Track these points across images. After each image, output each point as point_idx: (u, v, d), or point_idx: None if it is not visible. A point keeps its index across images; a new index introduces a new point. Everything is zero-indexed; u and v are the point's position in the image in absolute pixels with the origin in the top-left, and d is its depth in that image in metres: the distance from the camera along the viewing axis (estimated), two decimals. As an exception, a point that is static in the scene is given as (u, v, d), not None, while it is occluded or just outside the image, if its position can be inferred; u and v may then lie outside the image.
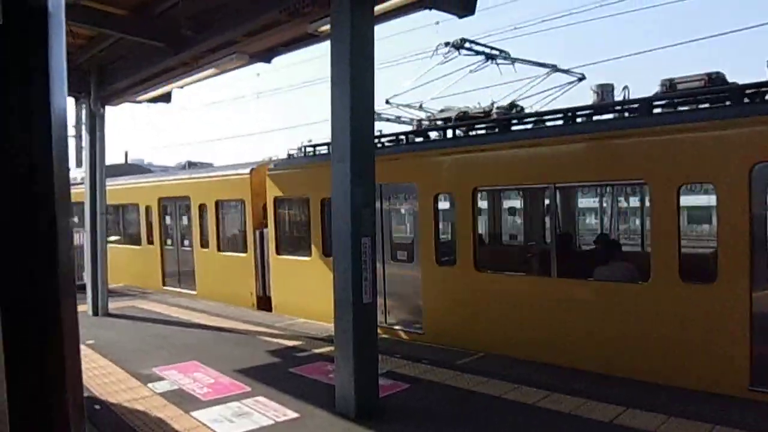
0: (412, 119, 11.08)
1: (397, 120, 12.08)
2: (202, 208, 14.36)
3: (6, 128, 1.06)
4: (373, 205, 6.11)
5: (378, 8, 6.52)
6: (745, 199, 6.10)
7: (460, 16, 7.76)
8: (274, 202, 12.21)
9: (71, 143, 14.72)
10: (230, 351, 8.60)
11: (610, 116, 7.89)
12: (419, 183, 9.38)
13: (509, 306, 8.23)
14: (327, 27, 7.34)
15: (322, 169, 10.45)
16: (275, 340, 9.31)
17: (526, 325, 8.00)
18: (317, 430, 5.55)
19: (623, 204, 12.14)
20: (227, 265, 13.79)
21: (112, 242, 18.01)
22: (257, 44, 9.13)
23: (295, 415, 5.88)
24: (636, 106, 7.48)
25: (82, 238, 12.57)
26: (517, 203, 12.30)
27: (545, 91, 10.11)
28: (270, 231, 12.39)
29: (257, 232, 12.89)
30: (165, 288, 15.75)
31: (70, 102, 13.15)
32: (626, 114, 7.81)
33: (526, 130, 8.54)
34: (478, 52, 10.30)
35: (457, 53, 10.14)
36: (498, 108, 9.63)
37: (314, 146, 11.80)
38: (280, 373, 7.41)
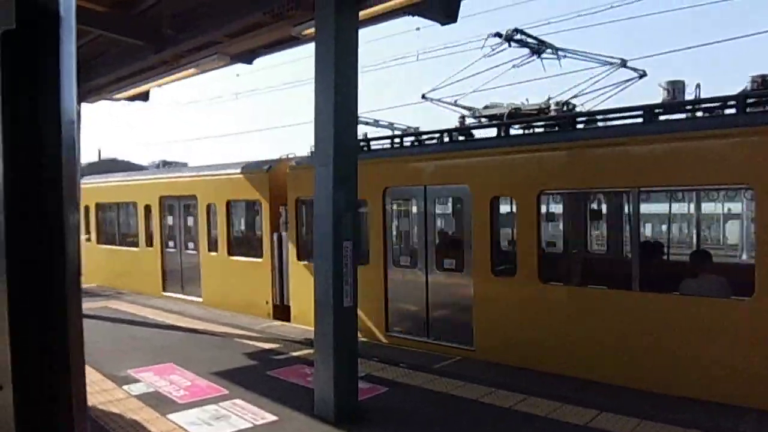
0: (464, 116, 9.95)
1: (390, 126, 11.80)
2: (210, 208, 13.22)
3: (18, 130, 1.07)
4: (354, 210, 6.15)
5: (362, 13, 6.58)
6: None
7: (443, 23, 7.87)
8: (296, 203, 11.17)
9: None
10: (207, 353, 8.53)
11: (682, 115, 7.31)
12: (472, 185, 8.49)
13: (580, 322, 7.39)
14: (310, 30, 7.37)
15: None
16: (252, 342, 9.26)
17: (602, 345, 7.17)
18: (296, 433, 5.55)
19: (711, 209, 10.55)
20: (239, 270, 12.61)
21: (102, 243, 17.21)
22: (239, 45, 9.13)
23: (273, 418, 5.87)
24: (733, 103, 6.80)
25: None
26: (586, 208, 11.00)
27: (603, 88, 8.99)
28: (291, 235, 11.40)
29: (275, 236, 11.86)
30: (165, 294, 14.48)
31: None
32: (698, 114, 7.29)
33: (604, 128, 7.78)
34: (528, 44, 9.44)
35: (507, 45, 9.33)
36: (557, 104, 8.95)
37: None
38: (257, 375, 7.37)
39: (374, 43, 39.17)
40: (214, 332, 10.03)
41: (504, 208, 9.09)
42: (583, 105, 9.07)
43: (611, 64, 9.02)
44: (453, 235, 9.97)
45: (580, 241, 10.45)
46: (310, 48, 6.40)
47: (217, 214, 13.01)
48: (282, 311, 11.81)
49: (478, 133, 9.42)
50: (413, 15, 7.60)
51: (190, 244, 14.07)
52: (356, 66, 6.16)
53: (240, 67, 10.94)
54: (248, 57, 9.90)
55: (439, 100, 10.05)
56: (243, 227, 14.09)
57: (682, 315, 6.66)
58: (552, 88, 16.79)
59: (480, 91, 10.30)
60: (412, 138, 10.18)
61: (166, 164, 18.62)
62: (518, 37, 9.32)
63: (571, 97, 8.97)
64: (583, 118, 8.24)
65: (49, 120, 1.09)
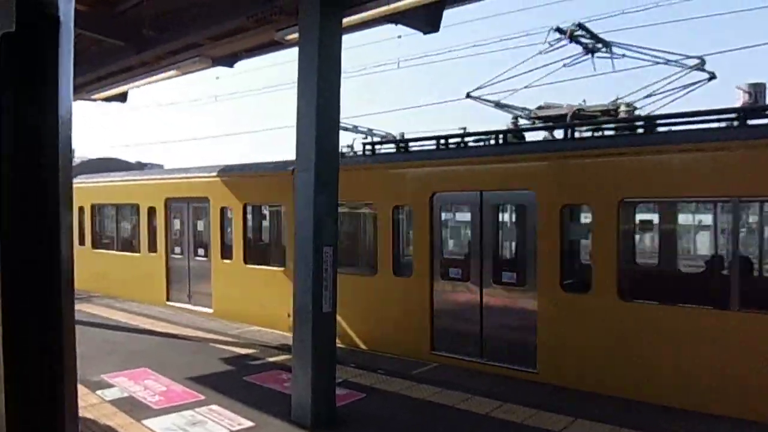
0: (517, 117, 9.46)
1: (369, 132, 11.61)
2: (224, 212, 12.29)
3: (18, 131, 1.08)
4: (335, 215, 6.16)
5: (345, 21, 6.62)
6: None
7: (425, 32, 7.96)
8: None
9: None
10: (182, 358, 8.44)
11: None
12: (539, 191, 7.82)
13: (666, 344, 6.75)
14: (293, 36, 7.40)
15: (392, 171, 9.22)
16: (228, 347, 9.18)
17: (691, 369, 6.57)
18: (273, 439, 5.52)
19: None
20: (257, 280, 11.56)
21: (98, 248, 16.02)
22: (221, 48, 9.10)
23: (250, 424, 5.83)
24: None
25: None
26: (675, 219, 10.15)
27: (668, 91, 8.29)
28: None
29: None
30: (170, 304, 13.37)
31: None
32: None
33: (695, 131, 7.08)
34: (587, 42, 8.80)
35: (567, 41, 8.75)
36: (627, 106, 8.43)
37: (373, 144, 10.37)
38: (234, 381, 7.32)
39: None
40: (188, 337, 9.92)
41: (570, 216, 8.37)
42: (641, 108, 8.55)
43: (686, 65, 8.21)
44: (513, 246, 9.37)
45: (671, 255, 9.76)
46: (290, 53, 6.40)
47: (233, 218, 12.10)
48: None
49: (529, 136, 9.03)
50: (396, 24, 7.66)
51: (200, 251, 13.05)
52: (339, 71, 6.20)
53: (219, 70, 10.87)
54: (230, 60, 9.87)
55: (484, 99, 9.45)
56: (261, 233, 13.29)
57: None
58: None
59: (528, 89, 9.47)
60: (457, 139, 9.47)
61: (142, 166, 18.35)
62: (579, 32, 8.70)
63: (644, 97, 8.38)
64: (665, 121, 7.60)
65: (48, 122, 1.11)
